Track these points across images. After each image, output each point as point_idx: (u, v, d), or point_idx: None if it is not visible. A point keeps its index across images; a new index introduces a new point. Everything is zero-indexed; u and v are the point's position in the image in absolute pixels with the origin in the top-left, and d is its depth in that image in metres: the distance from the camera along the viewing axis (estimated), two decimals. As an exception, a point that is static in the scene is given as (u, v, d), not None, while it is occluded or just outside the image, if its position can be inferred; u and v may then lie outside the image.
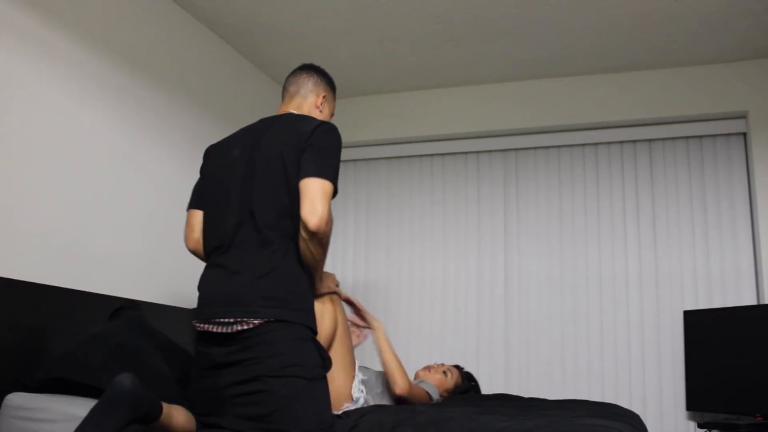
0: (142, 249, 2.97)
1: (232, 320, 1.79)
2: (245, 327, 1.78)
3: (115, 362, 2.07)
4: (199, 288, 1.94)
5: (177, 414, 1.80)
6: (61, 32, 2.59)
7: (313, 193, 1.81)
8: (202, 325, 1.86)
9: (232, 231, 1.91)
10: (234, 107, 3.75)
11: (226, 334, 1.80)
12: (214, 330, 1.82)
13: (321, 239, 1.85)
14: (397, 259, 4.25)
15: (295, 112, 2.09)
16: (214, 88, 3.58)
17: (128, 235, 2.89)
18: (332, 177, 1.85)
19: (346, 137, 4.37)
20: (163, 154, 3.15)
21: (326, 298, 2.21)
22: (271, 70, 4.05)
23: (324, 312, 2.20)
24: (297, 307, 1.84)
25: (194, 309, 1.93)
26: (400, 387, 2.38)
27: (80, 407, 1.90)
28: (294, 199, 1.86)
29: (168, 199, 3.14)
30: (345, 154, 4.44)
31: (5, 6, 2.35)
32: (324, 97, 2.19)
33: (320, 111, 2.18)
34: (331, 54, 3.82)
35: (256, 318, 1.78)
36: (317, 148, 1.88)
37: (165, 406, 1.74)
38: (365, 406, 2.26)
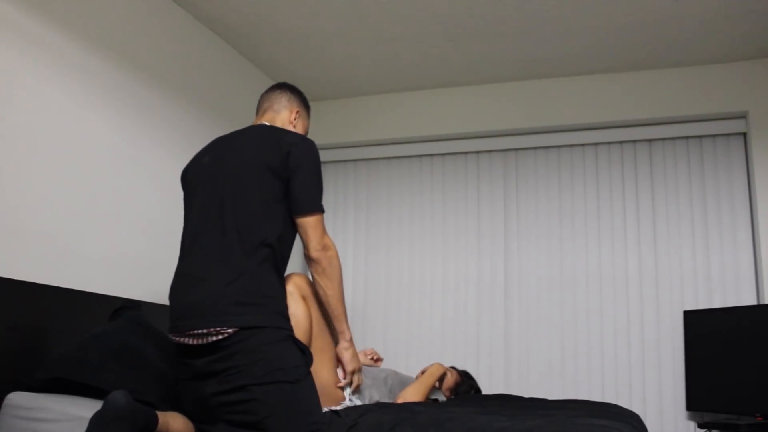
0: (143, 249, 2.97)
1: (205, 331, 1.77)
2: (221, 337, 1.76)
3: (115, 362, 2.07)
4: (170, 298, 1.92)
5: (173, 421, 1.80)
6: (61, 32, 2.59)
7: (311, 228, 1.94)
8: (177, 338, 1.85)
9: (193, 234, 1.91)
10: (234, 107, 3.76)
11: (203, 345, 1.79)
12: (191, 342, 1.81)
13: (325, 268, 1.94)
14: (397, 259, 4.25)
15: (267, 123, 2.10)
16: (214, 88, 3.58)
17: (129, 235, 2.89)
18: (320, 206, 1.96)
19: (346, 137, 4.37)
20: (163, 153, 3.15)
21: (298, 296, 2.08)
22: (271, 70, 4.05)
23: (297, 311, 2.10)
24: (271, 310, 1.82)
25: (169, 320, 1.91)
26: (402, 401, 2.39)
27: (80, 407, 1.90)
28: (266, 206, 1.87)
29: (169, 200, 3.14)
30: (345, 154, 4.44)
31: (5, 6, 2.35)
32: (297, 112, 2.19)
33: (293, 126, 2.18)
34: (331, 54, 3.82)
35: (230, 327, 1.76)
36: (304, 177, 1.91)
37: (160, 414, 1.74)
38: (365, 403, 2.26)
